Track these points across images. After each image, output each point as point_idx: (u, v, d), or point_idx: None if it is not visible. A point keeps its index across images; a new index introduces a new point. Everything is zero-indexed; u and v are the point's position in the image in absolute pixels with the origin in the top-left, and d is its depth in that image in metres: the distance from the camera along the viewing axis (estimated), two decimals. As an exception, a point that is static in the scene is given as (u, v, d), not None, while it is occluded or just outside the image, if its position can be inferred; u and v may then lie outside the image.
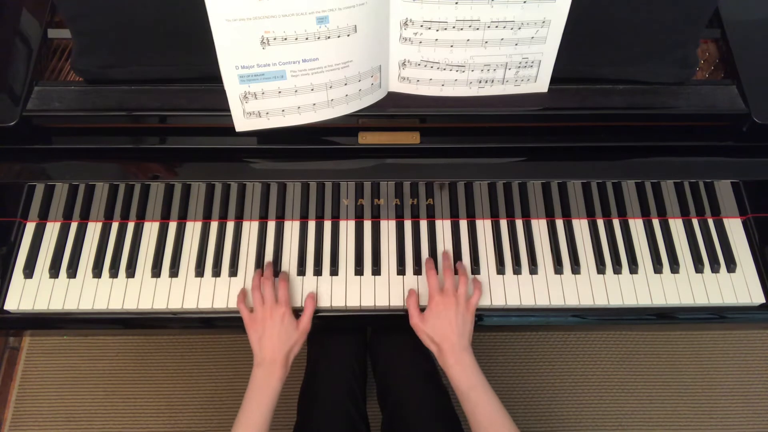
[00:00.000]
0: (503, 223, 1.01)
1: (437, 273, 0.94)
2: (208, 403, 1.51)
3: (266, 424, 0.85)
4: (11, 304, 0.94)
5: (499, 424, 0.82)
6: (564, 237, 1.01)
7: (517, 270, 0.98)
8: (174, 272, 0.97)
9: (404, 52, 0.84)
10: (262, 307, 0.91)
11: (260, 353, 0.89)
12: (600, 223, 1.02)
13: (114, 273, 0.97)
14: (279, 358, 0.88)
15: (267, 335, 0.89)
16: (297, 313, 0.94)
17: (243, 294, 0.95)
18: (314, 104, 0.85)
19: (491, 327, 1.03)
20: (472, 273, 0.98)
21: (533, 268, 0.98)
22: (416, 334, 0.91)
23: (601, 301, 0.96)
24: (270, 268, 0.96)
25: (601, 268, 0.98)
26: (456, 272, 0.95)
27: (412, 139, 0.92)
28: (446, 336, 0.87)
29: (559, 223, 1.02)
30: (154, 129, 0.92)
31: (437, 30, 0.81)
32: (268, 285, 0.93)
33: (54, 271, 0.97)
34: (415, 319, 0.91)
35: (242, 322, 0.93)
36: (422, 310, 0.92)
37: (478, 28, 0.81)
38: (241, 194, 0.99)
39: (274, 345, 0.88)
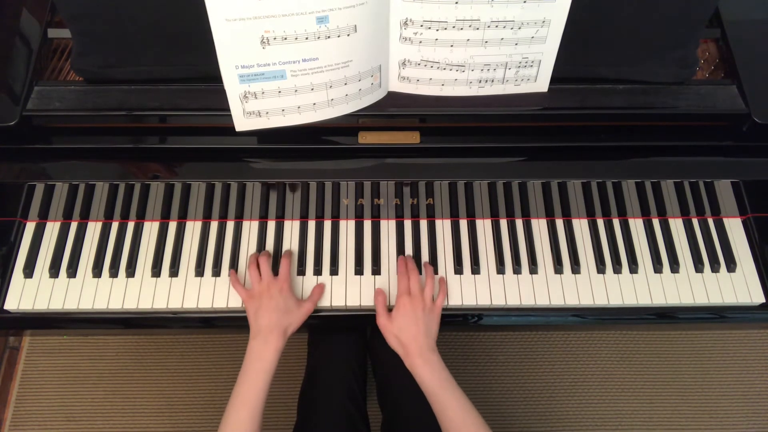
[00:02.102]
0: (503, 223, 1.01)
1: (408, 275, 0.93)
2: (208, 403, 1.51)
3: (261, 398, 0.84)
4: (11, 304, 0.94)
5: (470, 423, 0.82)
6: (564, 237, 1.01)
7: (517, 270, 0.98)
8: (174, 272, 0.97)
9: (404, 51, 0.84)
10: (259, 282, 0.92)
11: (256, 324, 0.88)
12: (600, 222, 1.02)
13: (114, 273, 0.97)
14: (276, 329, 0.87)
15: (264, 307, 0.89)
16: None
17: (235, 275, 0.95)
18: (314, 104, 0.85)
19: (491, 327, 1.03)
20: (472, 273, 0.98)
21: (533, 268, 0.98)
22: (383, 334, 0.91)
23: (601, 301, 0.96)
24: (267, 251, 0.97)
25: (601, 268, 0.98)
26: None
27: (412, 138, 0.92)
28: (413, 337, 0.87)
29: (559, 223, 1.02)
30: (154, 129, 0.92)
31: (437, 30, 0.81)
32: (265, 261, 0.94)
33: (54, 271, 0.97)
34: (382, 319, 0.91)
35: (242, 322, 0.92)
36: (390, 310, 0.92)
37: (478, 28, 0.81)
38: (241, 194, 0.99)
39: (271, 316, 0.88)
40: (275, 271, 0.95)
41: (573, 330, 1.59)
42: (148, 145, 0.93)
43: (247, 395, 0.84)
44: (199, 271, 0.97)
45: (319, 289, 0.95)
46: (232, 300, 0.95)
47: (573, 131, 0.94)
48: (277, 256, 0.99)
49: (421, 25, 0.80)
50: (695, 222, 1.02)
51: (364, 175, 0.95)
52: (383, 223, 1.02)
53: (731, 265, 0.98)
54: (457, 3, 0.78)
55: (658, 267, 0.98)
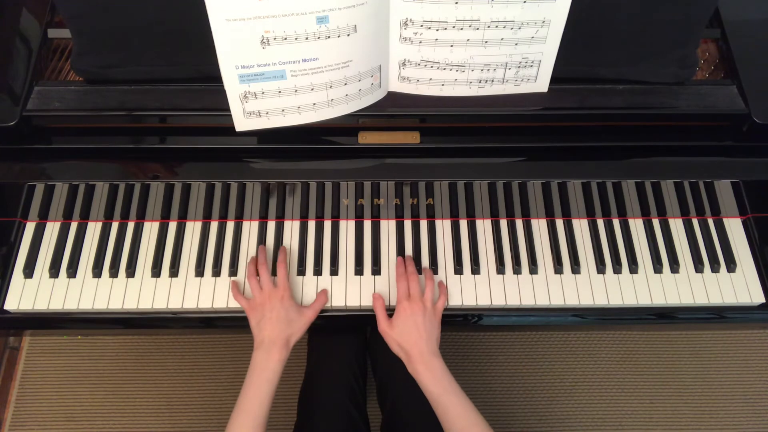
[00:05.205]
0: (503, 223, 1.01)
1: (407, 277, 0.93)
2: (208, 403, 1.51)
3: (264, 409, 0.84)
4: (11, 304, 0.94)
5: (474, 427, 0.82)
6: (564, 237, 1.01)
7: (517, 270, 0.98)
8: (174, 272, 0.97)
9: (404, 51, 0.84)
10: (260, 292, 0.91)
11: (259, 335, 0.88)
12: (600, 222, 1.02)
13: (114, 273, 0.97)
14: (278, 340, 0.87)
15: (266, 318, 0.89)
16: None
17: (236, 286, 0.95)
18: (314, 104, 0.85)
19: (491, 327, 1.03)
20: (472, 273, 0.98)
21: (533, 268, 0.98)
22: (385, 340, 0.90)
23: (601, 301, 0.96)
24: (263, 253, 0.97)
25: (601, 268, 0.98)
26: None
27: (412, 139, 0.92)
28: (414, 342, 0.86)
29: (559, 223, 1.02)
30: (154, 129, 0.92)
31: (437, 30, 0.81)
32: (264, 270, 0.94)
33: (54, 271, 0.97)
34: (383, 326, 0.90)
35: (242, 322, 0.93)
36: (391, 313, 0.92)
37: (478, 28, 0.81)
38: (241, 194, 0.99)
39: (274, 327, 0.88)
40: (274, 272, 0.95)
41: (573, 330, 1.59)
42: (148, 145, 0.93)
43: (250, 405, 0.84)
44: (199, 271, 0.97)
45: (323, 295, 0.95)
46: (232, 300, 0.95)
47: (573, 131, 0.94)
48: (277, 257, 0.99)
49: (421, 25, 0.80)
50: (695, 222, 1.02)
51: (364, 175, 0.95)
52: (383, 223, 1.02)
53: (731, 265, 0.98)
54: (457, 3, 0.78)
55: (658, 267, 0.98)
